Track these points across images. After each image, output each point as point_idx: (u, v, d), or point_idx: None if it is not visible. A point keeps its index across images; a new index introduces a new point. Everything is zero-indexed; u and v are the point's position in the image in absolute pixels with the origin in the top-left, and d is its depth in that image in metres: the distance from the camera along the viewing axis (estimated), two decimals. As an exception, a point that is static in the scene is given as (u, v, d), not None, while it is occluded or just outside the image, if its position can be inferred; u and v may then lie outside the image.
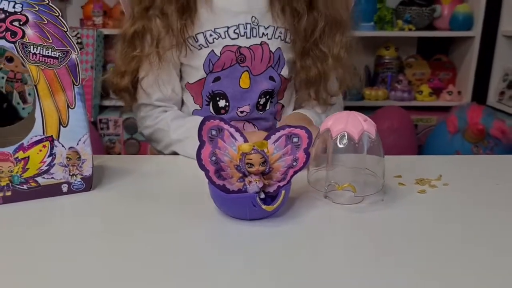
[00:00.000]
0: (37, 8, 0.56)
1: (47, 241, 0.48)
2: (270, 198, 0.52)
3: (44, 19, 0.56)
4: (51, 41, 0.57)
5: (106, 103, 1.89)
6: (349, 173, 0.57)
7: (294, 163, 0.53)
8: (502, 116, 1.84)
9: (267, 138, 0.54)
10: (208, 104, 0.82)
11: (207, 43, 0.78)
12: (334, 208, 0.55)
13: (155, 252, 0.45)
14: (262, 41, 0.79)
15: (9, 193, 0.56)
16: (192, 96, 0.83)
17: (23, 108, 1.77)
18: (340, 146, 0.55)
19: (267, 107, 0.83)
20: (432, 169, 0.68)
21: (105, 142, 1.80)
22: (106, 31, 1.86)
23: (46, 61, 0.56)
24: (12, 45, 0.55)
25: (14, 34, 0.55)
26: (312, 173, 0.58)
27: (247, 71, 0.80)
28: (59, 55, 0.57)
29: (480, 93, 2.00)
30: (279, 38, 0.80)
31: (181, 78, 0.83)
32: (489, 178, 0.66)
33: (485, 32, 1.89)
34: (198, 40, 0.78)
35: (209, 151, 0.53)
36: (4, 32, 0.54)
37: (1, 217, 0.53)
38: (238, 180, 0.53)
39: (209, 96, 0.81)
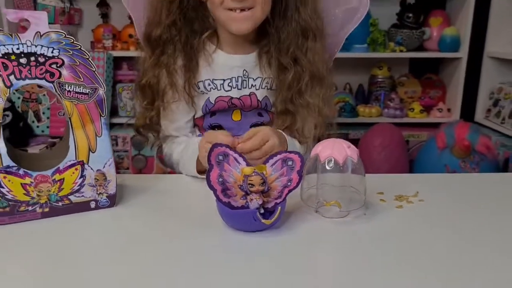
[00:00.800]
0: (71, 52, 0.66)
1: (78, 250, 0.57)
2: (268, 213, 0.61)
3: (77, 61, 0.66)
4: (82, 80, 0.66)
5: (115, 121, 1.99)
6: (336, 191, 0.66)
7: (289, 183, 0.62)
8: (489, 132, 1.93)
9: (265, 162, 0.64)
10: None
11: (206, 91, 0.90)
12: (323, 221, 0.64)
13: (170, 258, 0.55)
14: (251, 92, 0.90)
15: (47, 209, 0.65)
16: (197, 126, 0.95)
17: (37, 126, 1.88)
18: (328, 168, 0.64)
19: None
20: (411, 186, 0.77)
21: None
22: (115, 53, 1.95)
23: (78, 97, 0.66)
24: (51, 84, 0.65)
25: (52, 75, 0.65)
26: (304, 191, 0.68)
27: (238, 109, 0.92)
28: (89, 92, 0.67)
29: (468, 110, 2.08)
30: (266, 87, 0.91)
31: None
32: (460, 195, 0.75)
33: (471, 53, 1.98)
34: (199, 88, 0.89)
35: (217, 173, 0.63)
36: (44, 74, 0.64)
37: (40, 229, 0.62)
38: (241, 198, 0.62)
39: (209, 128, 0.93)
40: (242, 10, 0.80)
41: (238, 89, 0.90)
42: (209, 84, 0.89)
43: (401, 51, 2.00)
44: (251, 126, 0.92)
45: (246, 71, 0.90)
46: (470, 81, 2.04)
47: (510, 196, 0.75)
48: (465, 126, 1.67)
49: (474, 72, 2.05)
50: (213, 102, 0.90)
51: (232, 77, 0.89)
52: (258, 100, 0.91)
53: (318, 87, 0.88)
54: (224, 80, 0.89)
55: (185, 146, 0.91)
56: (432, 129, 1.88)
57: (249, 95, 0.91)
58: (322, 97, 0.88)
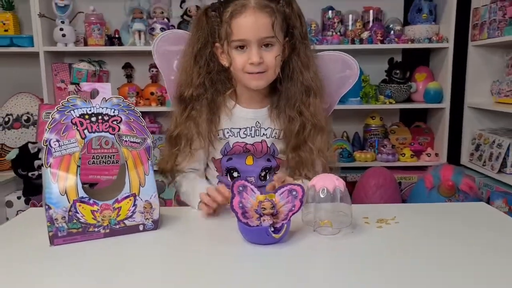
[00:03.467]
0: (127, 112, 0.88)
1: (132, 262, 0.75)
2: (277, 230, 0.80)
3: (131, 118, 0.88)
4: (135, 132, 0.88)
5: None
6: (329, 215, 0.85)
7: (293, 208, 0.81)
8: (473, 174, 2.12)
9: (275, 191, 0.84)
10: (226, 175, 1.14)
11: (224, 137, 1.10)
12: (320, 237, 0.83)
13: (204, 265, 0.73)
14: (262, 139, 1.10)
15: (108, 231, 0.85)
16: (215, 168, 1.15)
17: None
18: (322, 196, 0.84)
19: (267, 178, 1.13)
20: (390, 212, 0.96)
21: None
22: (138, 109, 2.18)
23: (132, 145, 0.88)
24: (113, 136, 0.86)
25: (113, 129, 0.86)
26: (304, 214, 0.87)
27: (251, 155, 1.12)
28: (140, 141, 0.88)
29: (454, 155, 2.28)
30: (274, 137, 1.11)
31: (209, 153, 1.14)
32: (428, 218, 0.95)
33: (453, 104, 2.21)
34: (219, 135, 1.10)
35: (238, 200, 0.83)
36: (108, 128, 0.86)
37: (104, 246, 0.81)
38: (256, 219, 0.81)
39: (226, 170, 1.13)
40: (258, 72, 1.02)
41: (251, 136, 1.10)
42: (227, 132, 1.09)
43: (390, 103, 2.23)
44: (261, 170, 1.12)
45: (259, 122, 1.10)
46: (454, 129, 2.26)
47: (472, 220, 0.94)
48: (449, 168, 1.86)
49: (457, 120, 2.28)
50: (231, 146, 1.10)
51: (247, 127, 1.10)
52: (267, 146, 1.10)
53: (320, 134, 1.07)
54: (240, 128, 1.09)
55: (192, 185, 1.08)
56: (422, 172, 2.07)
57: (261, 142, 1.10)
58: (323, 142, 1.07)
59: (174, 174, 1.13)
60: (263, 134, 1.11)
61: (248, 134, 1.10)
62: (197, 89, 1.07)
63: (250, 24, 0.99)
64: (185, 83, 1.08)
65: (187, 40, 1.09)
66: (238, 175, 1.12)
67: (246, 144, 1.10)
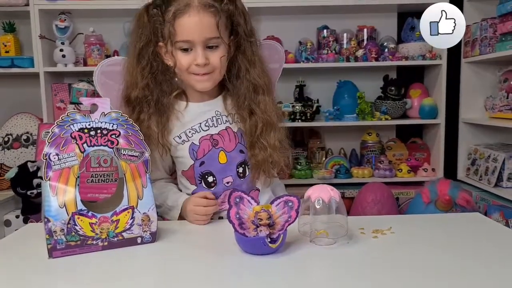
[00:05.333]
0: (125, 126, 0.90)
1: (130, 275, 0.76)
2: (273, 240, 0.81)
3: (130, 132, 0.90)
4: (133, 145, 0.90)
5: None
6: (325, 226, 0.86)
7: (289, 218, 0.82)
8: (470, 188, 2.13)
9: (272, 202, 0.85)
10: (201, 182, 1.07)
11: (188, 138, 1.06)
12: (316, 248, 0.84)
13: (202, 273, 0.74)
14: (226, 126, 1.08)
15: (106, 243, 0.86)
16: (188, 180, 1.09)
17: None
18: (318, 206, 0.85)
19: (247, 173, 1.09)
20: (387, 223, 0.97)
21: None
22: (136, 128, 2.23)
23: (130, 159, 0.89)
24: (111, 150, 0.88)
25: (112, 142, 0.88)
26: (301, 225, 0.88)
27: (222, 150, 1.07)
28: (138, 154, 0.90)
29: (451, 170, 2.31)
30: (238, 121, 1.09)
31: (177, 167, 1.12)
32: (423, 228, 0.96)
33: (448, 119, 2.25)
34: (181, 137, 1.06)
35: (235, 211, 0.84)
36: (107, 142, 0.88)
37: (102, 258, 0.82)
38: (253, 230, 0.83)
39: (200, 177, 1.07)
40: (204, 74, 1.01)
41: (215, 126, 1.08)
42: (189, 131, 1.06)
43: (386, 119, 2.26)
44: (237, 166, 1.08)
45: (218, 111, 1.09)
46: (450, 144, 2.29)
47: (466, 230, 0.95)
48: (446, 182, 1.87)
49: (452, 136, 2.31)
50: (198, 144, 1.06)
51: (207, 118, 1.07)
52: (234, 132, 1.08)
53: (272, 131, 1.08)
54: (200, 123, 1.07)
55: (163, 199, 1.08)
56: (419, 187, 2.08)
57: (226, 129, 1.08)
58: (276, 139, 1.08)
59: None
60: (226, 121, 1.09)
61: (211, 125, 1.08)
62: (142, 90, 1.03)
63: (194, 24, 0.97)
64: (130, 84, 1.05)
65: (129, 40, 1.08)
66: (214, 179, 1.07)
67: (212, 135, 1.07)
